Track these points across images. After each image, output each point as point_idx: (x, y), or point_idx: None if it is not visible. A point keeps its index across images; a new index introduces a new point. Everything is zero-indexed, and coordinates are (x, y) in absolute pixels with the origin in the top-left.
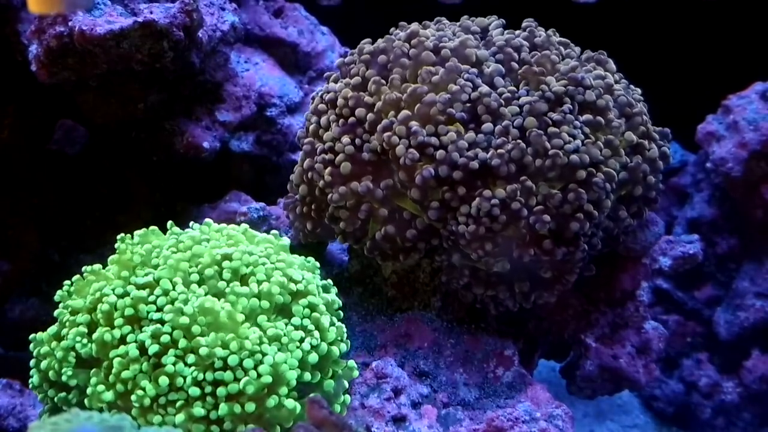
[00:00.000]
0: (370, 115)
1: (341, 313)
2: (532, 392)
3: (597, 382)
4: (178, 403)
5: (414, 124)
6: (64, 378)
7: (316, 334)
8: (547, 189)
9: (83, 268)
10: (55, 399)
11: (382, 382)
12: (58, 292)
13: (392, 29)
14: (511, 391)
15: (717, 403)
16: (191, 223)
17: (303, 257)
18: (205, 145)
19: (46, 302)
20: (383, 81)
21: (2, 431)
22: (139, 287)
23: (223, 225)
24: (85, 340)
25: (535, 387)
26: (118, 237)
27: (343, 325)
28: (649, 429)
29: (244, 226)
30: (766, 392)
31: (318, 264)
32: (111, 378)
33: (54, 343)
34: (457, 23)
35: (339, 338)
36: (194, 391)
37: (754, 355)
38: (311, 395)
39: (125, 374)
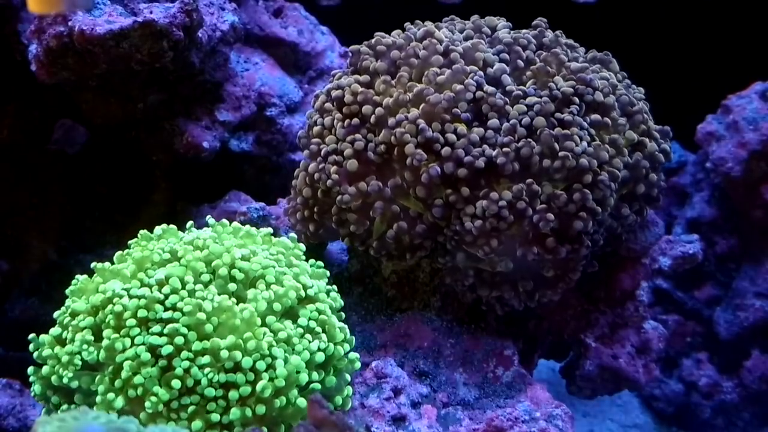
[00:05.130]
0: (378, 110)
1: (343, 315)
2: (531, 392)
3: (597, 381)
4: (190, 409)
5: (420, 122)
6: (65, 380)
7: (324, 336)
8: (551, 189)
9: (92, 265)
10: (59, 407)
11: (382, 382)
12: (70, 287)
13: (407, 24)
14: (510, 391)
15: (717, 403)
16: (207, 218)
17: (312, 263)
18: (205, 144)
19: (46, 302)
20: (392, 81)
21: (2, 431)
22: (152, 287)
23: (240, 226)
24: (92, 348)
25: (534, 387)
26: (140, 233)
27: (346, 326)
28: (649, 429)
29: (265, 229)
30: (766, 392)
31: (327, 272)
32: (118, 383)
33: (57, 348)
34: (468, 22)
35: (344, 338)
36: (210, 391)
37: (754, 355)
38: (312, 395)
39: (136, 379)
